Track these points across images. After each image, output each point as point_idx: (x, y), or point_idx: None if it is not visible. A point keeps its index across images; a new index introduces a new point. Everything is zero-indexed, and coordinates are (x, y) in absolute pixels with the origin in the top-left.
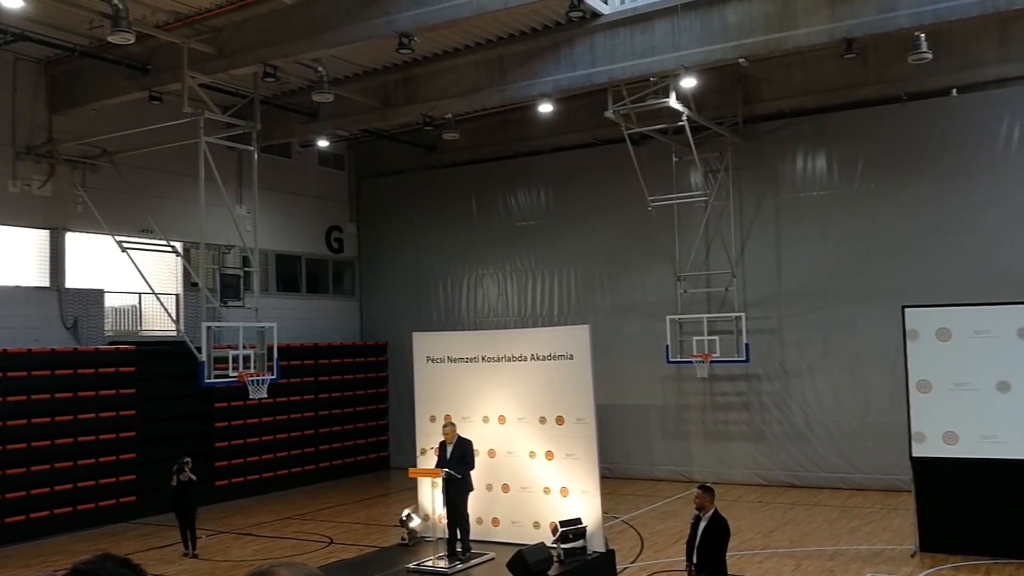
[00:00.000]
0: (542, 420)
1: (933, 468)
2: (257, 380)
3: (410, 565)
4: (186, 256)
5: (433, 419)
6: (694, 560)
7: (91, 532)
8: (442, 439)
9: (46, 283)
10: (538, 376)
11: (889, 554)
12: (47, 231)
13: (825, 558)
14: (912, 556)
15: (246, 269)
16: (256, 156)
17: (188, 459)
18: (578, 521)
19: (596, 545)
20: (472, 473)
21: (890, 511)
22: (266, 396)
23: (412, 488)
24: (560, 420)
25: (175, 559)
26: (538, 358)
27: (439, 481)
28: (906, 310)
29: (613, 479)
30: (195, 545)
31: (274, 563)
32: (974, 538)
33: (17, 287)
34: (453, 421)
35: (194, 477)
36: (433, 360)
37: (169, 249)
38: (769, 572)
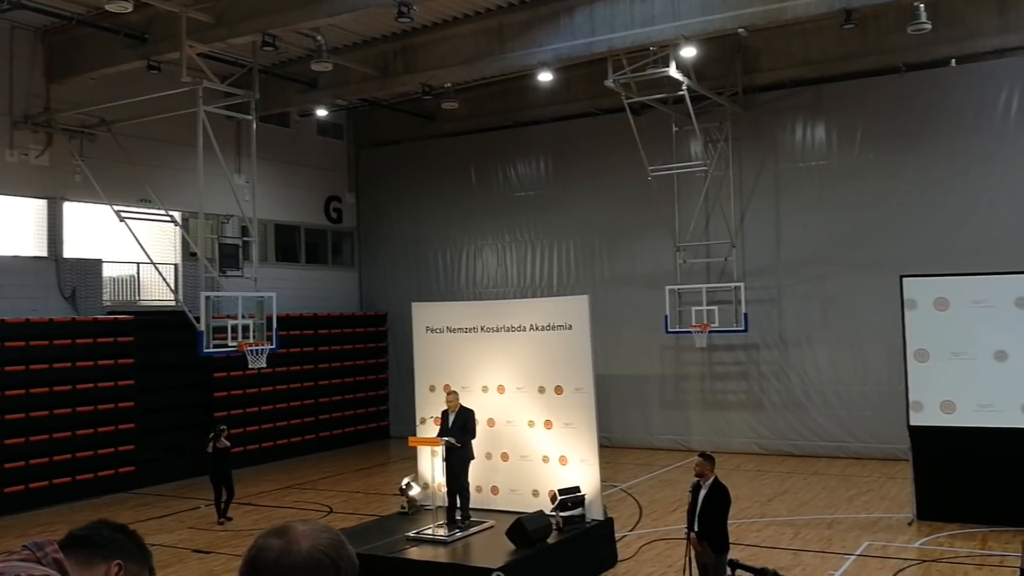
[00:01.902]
0: (541, 390)
1: (931, 437)
2: (256, 350)
3: (410, 533)
4: (184, 226)
5: (432, 389)
6: (695, 528)
7: (90, 502)
8: (444, 408)
9: (44, 253)
10: (537, 346)
11: (887, 522)
12: (45, 201)
13: (823, 526)
14: (909, 524)
15: (245, 239)
16: (255, 125)
17: (224, 426)
18: (577, 489)
19: (595, 513)
20: (472, 442)
21: (888, 480)
22: (265, 366)
23: (412, 457)
24: (559, 390)
25: (174, 528)
26: (537, 328)
27: (439, 450)
28: (904, 280)
29: (611, 448)
30: (227, 509)
31: (291, 520)
32: (971, 506)
33: (15, 257)
34: (455, 390)
35: (230, 444)
36: (432, 330)
37: (167, 219)
38: (768, 540)
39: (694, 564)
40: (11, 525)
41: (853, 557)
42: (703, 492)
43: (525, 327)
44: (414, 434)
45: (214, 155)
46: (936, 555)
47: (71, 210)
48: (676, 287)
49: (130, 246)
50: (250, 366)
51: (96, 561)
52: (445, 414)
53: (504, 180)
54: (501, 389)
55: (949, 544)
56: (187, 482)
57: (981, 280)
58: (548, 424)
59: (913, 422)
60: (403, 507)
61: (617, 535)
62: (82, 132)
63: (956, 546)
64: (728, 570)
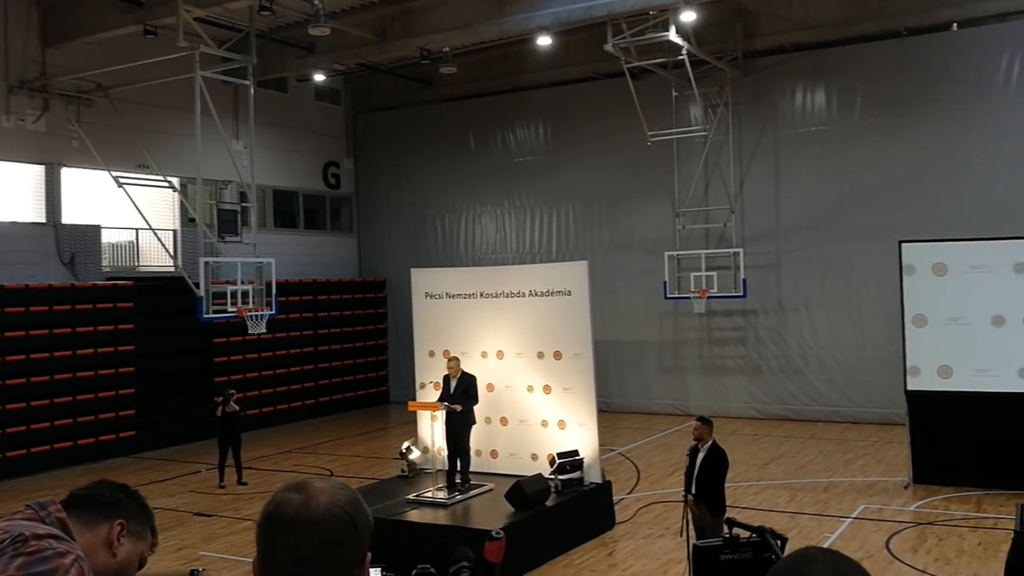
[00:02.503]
0: (540, 355)
1: (927, 401)
2: (256, 316)
3: (410, 496)
4: (183, 192)
5: (432, 354)
6: (692, 490)
7: (91, 466)
8: (445, 373)
9: (42, 219)
10: (536, 312)
11: (883, 486)
12: (42, 166)
13: (820, 490)
14: (905, 488)
15: (243, 204)
16: (252, 91)
17: (233, 391)
18: (575, 453)
19: (593, 476)
20: (475, 407)
21: (884, 444)
22: (265, 331)
23: (411, 422)
24: (558, 355)
25: (175, 492)
26: (536, 294)
27: (439, 415)
28: (903, 245)
29: (610, 413)
30: (241, 474)
31: (309, 477)
32: (966, 470)
33: (13, 223)
34: (456, 356)
35: (239, 408)
36: (431, 296)
37: (166, 185)
38: (764, 503)
39: (691, 526)
40: (13, 489)
41: (849, 520)
42: (701, 456)
43: (524, 293)
44: (414, 399)
45: (212, 120)
46: (931, 518)
47: (69, 176)
48: (675, 253)
49: (129, 212)
50: (250, 332)
51: (98, 521)
52: (446, 379)
53: (503, 145)
54: (500, 355)
55: (944, 507)
56: (188, 446)
57: (980, 245)
58: (547, 389)
59: (910, 387)
60: (403, 471)
61: (615, 498)
62: (79, 97)
63: (951, 509)
64: (725, 528)
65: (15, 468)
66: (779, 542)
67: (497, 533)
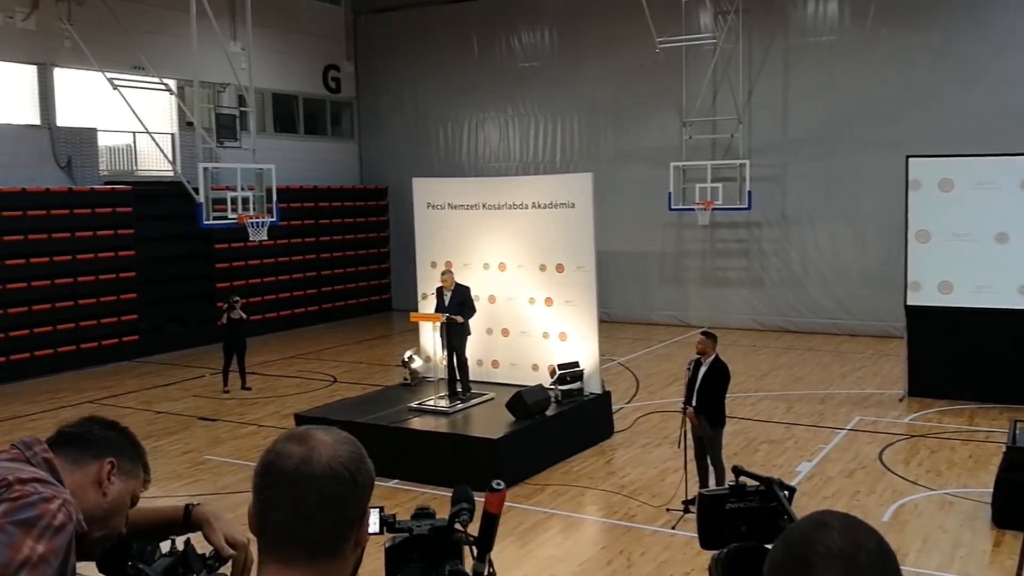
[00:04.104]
0: (542, 268)
1: (926, 316)
2: (256, 223)
3: (412, 404)
4: (180, 95)
5: (434, 265)
6: (693, 403)
7: (96, 370)
8: (439, 286)
9: (37, 121)
10: (539, 224)
11: (878, 398)
12: (34, 67)
13: (816, 401)
14: (900, 400)
15: (242, 109)
16: None
17: (238, 297)
18: (575, 364)
19: (592, 387)
20: (473, 317)
21: (881, 357)
22: (266, 239)
23: (414, 329)
24: (560, 268)
25: (179, 396)
26: (540, 206)
27: (439, 325)
28: (910, 160)
29: (610, 323)
30: (245, 380)
31: (311, 428)
32: (961, 384)
33: (7, 125)
34: (451, 269)
35: (244, 315)
36: (433, 207)
37: (162, 87)
38: (761, 414)
39: (689, 437)
40: (18, 392)
41: (844, 432)
42: (703, 369)
43: (527, 205)
44: (416, 307)
45: (208, 20)
46: (924, 431)
47: (62, 77)
48: (681, 163)
49: (125, 115)
50: (251, 239)
51: (87, 459)
52: (440, 292)
53: (507, 50)
54: (502, 267)
55: (938, 420)
56: (191, 351)
57: (987, 161)
58: (548, 301)
59: (910, 302)
60: (405, 379)
61: (614, 407)
62: None
63: (944, 422)
64: (731, 476)
65: (19, 371)
66: (786, 493)
67: (498, 484)
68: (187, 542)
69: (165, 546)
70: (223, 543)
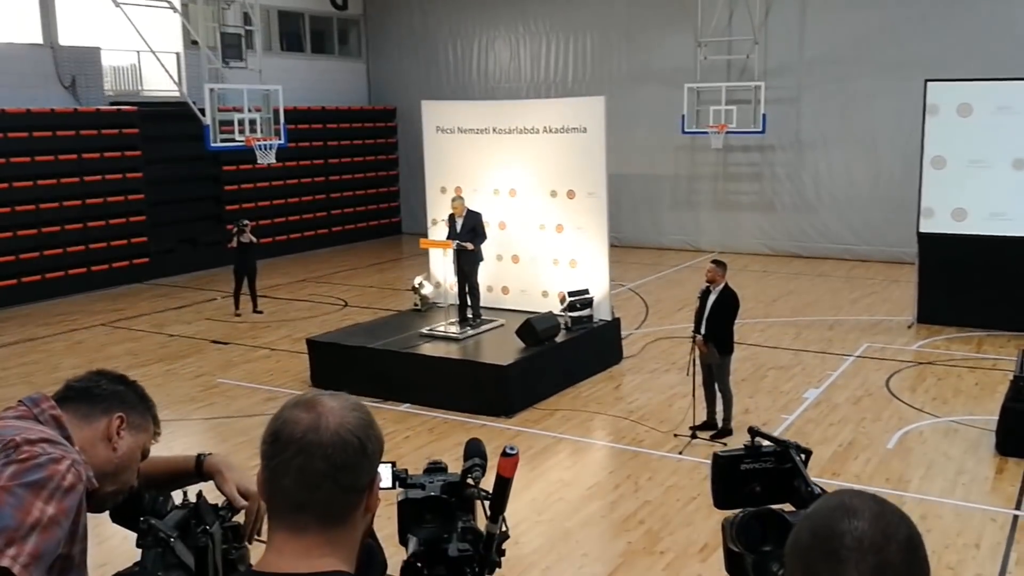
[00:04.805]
0: (553, 194)
1: (939, 243)
2: (264, 145)
3: (423, 329)
4: (184, 12)
5: (444, 190)
6: (702, 331)
7: (107, 292)
8: (450, 212)
9: (39, 40)
10: (550, 149)
11: (887, 325)
12: None
13: (825, 327)
14: (909, 327)
15: (247, 27)
16: None
17: (247, 221)
18: (585, 291)
19: (602, 313)
20: (483, 244)
21: (891, 283)
22: (275, 162)
23: (424, 255)
24: (571, 194)
25: (191, 319)
26: (551, 131)
27: (449, 252)
28: (928, 84)
29: (620, 247)
30: (256, 303)
31: (319, 394)
32: (970, 311)
33: (9, 44)
34: (462, 195)
35: (254, 239)
36: (443, 130)
37: (165, 4)
38: (770, 340)
39: (698, 364)
40: (30, 313)
41: (851, 358)
42: (713, 297)
43: (538, 129)
44: (426, 231)
45: None
46: (932, 358)
47: None
48: (695, 85)
49: (129, 34)
50: (259, 162)
51: (96, 414)
52: (452, 218)
53: None
54: (513, 193)
55: (945, 347)
56: (202, 273)
57: (1008, 86)
58: (559, 228)
59: (923, 228)
60: (416, 304)
61: (623, 333)
62: None
63: (952, 349)
64: (747, 437)
65: (31, 293)
66: (802, 456)
67: (511, 449)
68: (199, 494)
69: (178, 497)
70: (235, 493)
